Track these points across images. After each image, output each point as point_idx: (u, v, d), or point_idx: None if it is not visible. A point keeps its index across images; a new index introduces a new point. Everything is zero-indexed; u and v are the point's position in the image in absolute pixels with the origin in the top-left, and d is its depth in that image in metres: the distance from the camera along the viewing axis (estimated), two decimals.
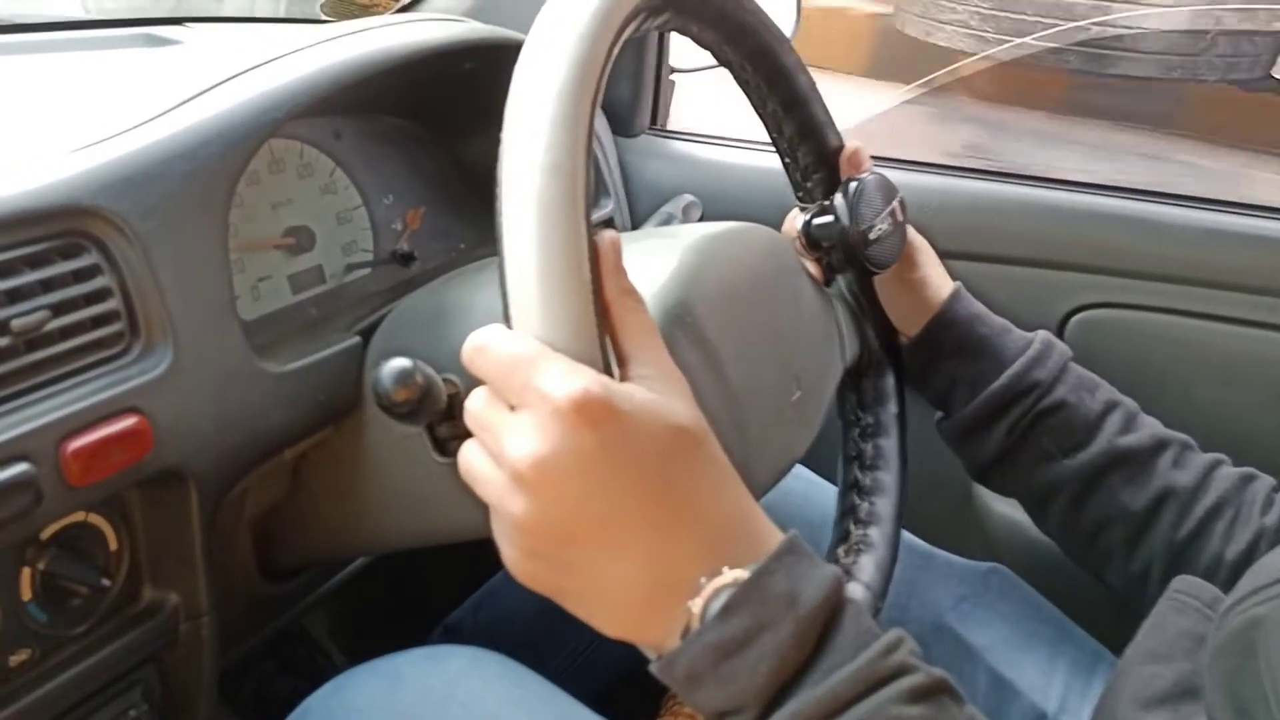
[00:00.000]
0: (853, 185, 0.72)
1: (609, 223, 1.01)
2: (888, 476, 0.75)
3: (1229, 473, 0.73)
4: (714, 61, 0.66)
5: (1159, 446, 0.74)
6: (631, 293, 0.47)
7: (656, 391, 0.45)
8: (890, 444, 0.76)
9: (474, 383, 0.47)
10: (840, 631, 0.43)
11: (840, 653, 0.42)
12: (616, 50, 0.50)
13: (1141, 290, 0.93)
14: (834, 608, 0.43)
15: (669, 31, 0.63)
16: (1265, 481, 0.73)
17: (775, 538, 0.45)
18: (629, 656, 0.47)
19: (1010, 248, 0.97)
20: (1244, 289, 0.91)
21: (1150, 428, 0.75)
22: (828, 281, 0.77)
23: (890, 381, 0.78)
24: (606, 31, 0.49)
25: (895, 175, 0.76)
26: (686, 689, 0.43)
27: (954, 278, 0.79)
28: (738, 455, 0.47)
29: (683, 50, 1.14)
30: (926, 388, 0.80)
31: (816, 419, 0.69)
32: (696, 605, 0.43)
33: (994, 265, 0.96)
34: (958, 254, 0.82)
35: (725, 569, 0.43)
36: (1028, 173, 1.00)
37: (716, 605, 0.42)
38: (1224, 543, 0.70)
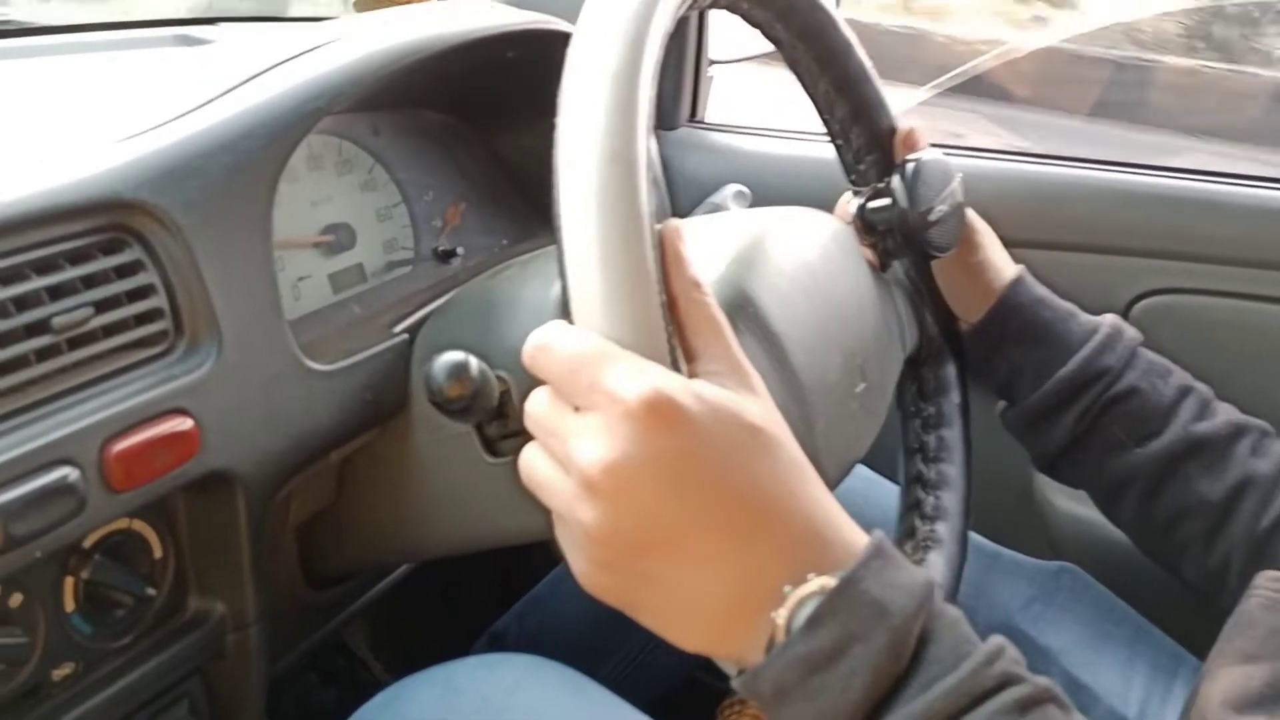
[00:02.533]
0: (910, 166, 0.70)
1: None
2: (952, 469, 0.72)
3: None
4: (752, 52, 0.64)
5: (1236, 433, 0.71)
6: (698, 284, 0.45)
7: (729, 388, 0.42)
8: (954, 435, 0.73)
9: (525, 379, 0.44)
10: (937, 641, 0.40)
11: (939, 664, 0.39)
12: (670, 29, 0.48)
13: (1208, 274, 0.90)
14: (929, 615, 0.40)
15: (720, 9, 0.61)
16: None
17: (860, 540, 0.42)
18: (681, 663, 0.45)
19: (1070, 234, 0.94)
20: None
21: (1226, 414, 0.72)
22: (884, 267, 0.74)
23: (951, 370, 0.76)
24: (660, 11, 0.47)
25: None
26: (774, 705, 0.40)
27: None
28: (805, 452, 0.45)
29: (722, 42, 1.12)
30: (989, 376, 0.77)
31: (882, 411, 0.67)
32: (781, 616, 0.40)
33: (1053, 252, 0.92)
34: (1016, 241, 0.79)
35: (811, 576, 0.40)
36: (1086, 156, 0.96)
37: (803, 615, 0.39)
38: None
